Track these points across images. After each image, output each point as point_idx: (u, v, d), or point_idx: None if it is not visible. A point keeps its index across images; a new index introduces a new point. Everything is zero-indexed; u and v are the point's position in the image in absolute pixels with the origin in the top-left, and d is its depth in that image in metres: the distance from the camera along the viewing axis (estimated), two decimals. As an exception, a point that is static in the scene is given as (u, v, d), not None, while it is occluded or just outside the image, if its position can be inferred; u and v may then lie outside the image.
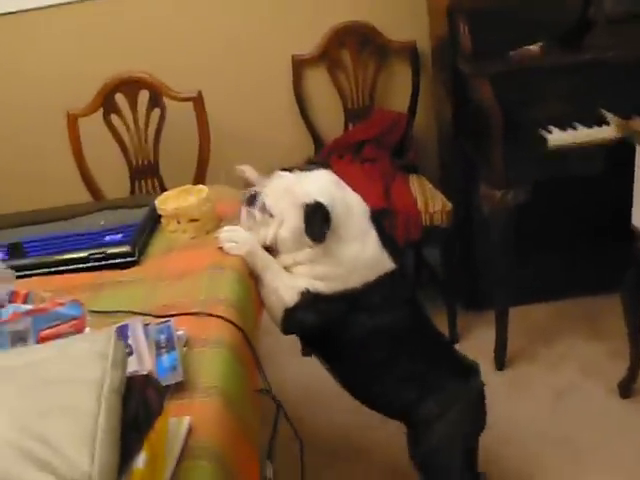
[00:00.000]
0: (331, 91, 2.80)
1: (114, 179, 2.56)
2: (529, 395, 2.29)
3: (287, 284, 1.48)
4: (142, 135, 2.54)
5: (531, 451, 2.04)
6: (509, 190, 2.19)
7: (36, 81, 2.76)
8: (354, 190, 2.39)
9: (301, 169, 1.55)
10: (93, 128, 2.49)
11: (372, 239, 1.53)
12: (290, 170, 1.55)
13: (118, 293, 1.35)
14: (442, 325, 2.55)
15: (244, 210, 1.52)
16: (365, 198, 2.43)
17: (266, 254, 1.49)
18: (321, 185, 1.49)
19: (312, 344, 1.66)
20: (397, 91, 2.84)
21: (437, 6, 2.53)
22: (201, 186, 1.62)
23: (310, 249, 1.47)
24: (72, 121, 2.47)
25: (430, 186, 2.59)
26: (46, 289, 1.24)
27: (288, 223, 1.46)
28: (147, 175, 2.57)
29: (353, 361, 1.59)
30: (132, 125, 2.52)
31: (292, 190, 1.48)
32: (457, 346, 2.56)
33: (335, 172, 2.64)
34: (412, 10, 2.72)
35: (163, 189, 2.55)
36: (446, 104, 2.63)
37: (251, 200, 1.52)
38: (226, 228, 1.50)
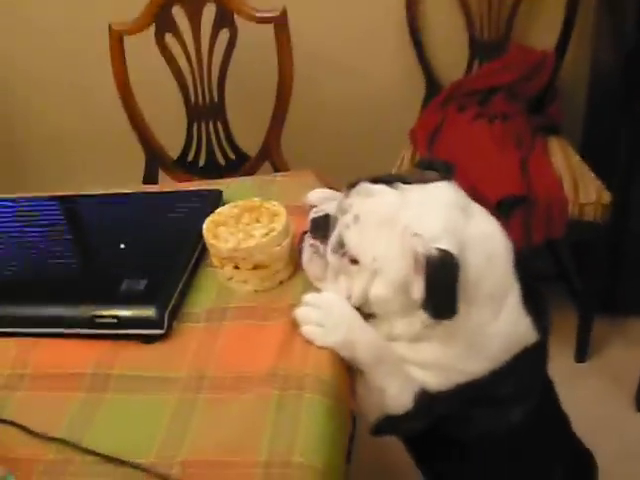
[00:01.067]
0: (455, 15, 2.10)
1: (167, 118, 1.99)
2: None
3: (401, 387, 0.94)
4: (205, 63, 1.93)
5: None
6: None
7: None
8: (480, 168, 1.86)
9: (404, 180, 0.95)
10: (142, 49, 1.89)
11: (513, 300, 0.95)
12: (386, 181, 0.94)
13: (115, 410, 0.86)
14: (569, 335, 2.01)
15: (307, 243, 0.97)
16: (496, 178, 1.88)
17: (373, 339, 0.93)
18: (446, 217, 0.90)
19: (410, 441, 1.14)
20: (544, 22, 2.11)
21: None
22: (274, 204, 1.04)
23: (418, 319, 0.91)
24: (116, 39, 1.87)
25: (577, 159, 1.94)
26: None
27: (388, 277, 0.90)
28: (209, 117, 1.99)
29: (468, 463, 1.08)
30: (192, 50, 1.91)
31: (394, 223, 0.89)
32: (586, 366, 2.03)
33: (453, 130, 2.09)
34: None
35: (229, 138, 1.98)
36: (616, 46, 1.92)
37: (318, 227, 0.96)
38: (308, 297, 0.94)
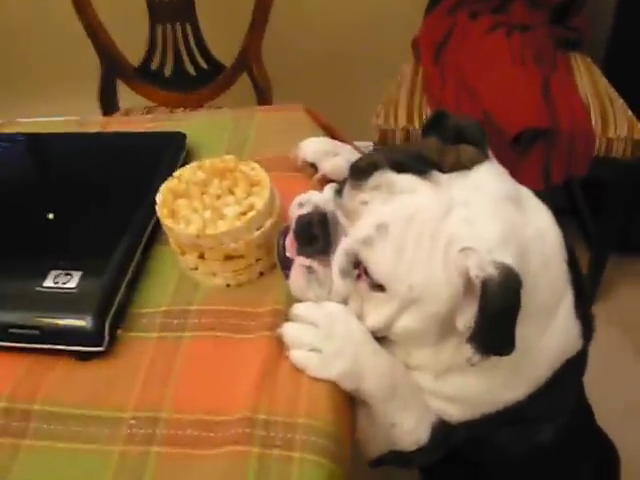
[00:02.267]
0: None
1: (126, 19, 1.66)
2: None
3: (416, 422, 0.72)
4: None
5: None
6: None
7: None
8: (496, 90, 1.57)
9: (437, 165, 0.66)
10: None
11: (566, 306, 0.72)
12: (414, 168, 0.65)
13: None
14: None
15: (296, 262, 0.70)
16: (515, 106, 1.60)
17: (387, 369, 0.70)
18: (502, 218, 0.64)
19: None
20: None
21: None
22: (254, 167, 0.78)
23: (452, 349, 0.68)
24: None
25: (605, 82, 1.67)
26: None
27: (427, 309, 0.65)
28: (175, 18, 1.66)
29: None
30: None
31: (436, 234, 0.63)
32: (599, 307, 1.84)
33: (463, 41, 1.78)
34: None
35: (200, 44, 1.66)
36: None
37: (307, 233, 0.69)
38: (299, 309, 0.69)
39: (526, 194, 0.70)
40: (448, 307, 0.64)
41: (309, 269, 0.68)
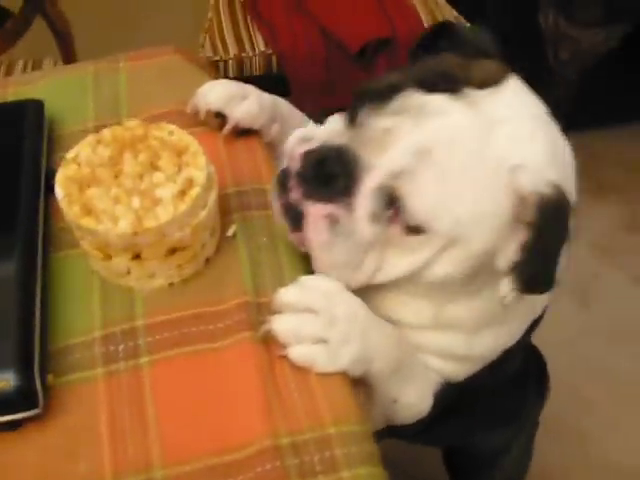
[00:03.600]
0: None
1: None
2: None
3: (419, 393, 0.64)
4: None
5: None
6: (603, 29, 1.34)
7: None
8: (330, 5, 1.46)
9: (465, 80, 0.56)
10: None
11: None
12: (443, 87, 0.55)
13: None
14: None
15: (312, 211, 0.56)
16: (355, 19, 1.50)
17: (392, 341, 0.60)
18: (544, 136, 0.57)
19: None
20: None
21: None
22: (172, 130, 0.61)
23: (487, 303, 0.61)
24: None
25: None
26: None
27: (472, 246, 0.55)
28: None
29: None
30: None
31: (480, 156, 0.54)
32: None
33: None
34: None
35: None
36: None
37: (320, 173, 0.56)
38: (284, 299, 0.56)
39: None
40: (493, 243, 0.55)
41: (331, 218, 0.55)
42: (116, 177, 0.57)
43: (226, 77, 1.45)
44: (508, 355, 0.70)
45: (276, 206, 0.58)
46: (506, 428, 0.99)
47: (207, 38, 1.47)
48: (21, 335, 0.52)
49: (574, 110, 1.65)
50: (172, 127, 0.61)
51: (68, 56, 1.42)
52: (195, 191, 0.56)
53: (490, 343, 0.65)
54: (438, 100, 0.55)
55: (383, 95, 0.55)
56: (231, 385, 0.54)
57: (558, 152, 0.57)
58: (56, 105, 0.74)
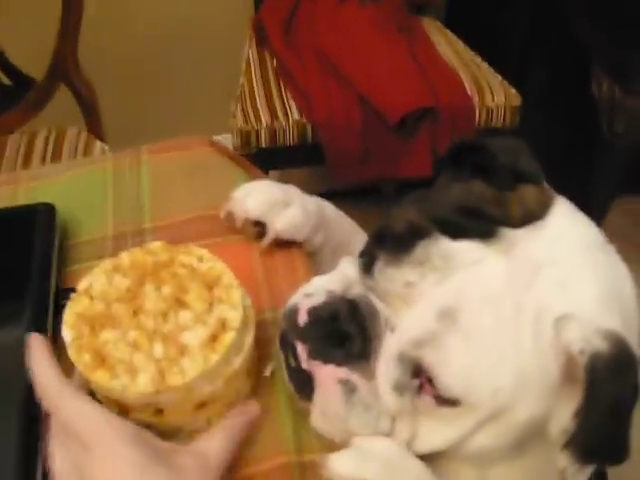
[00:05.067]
0: None
1: None
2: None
3: None
4: None
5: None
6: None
7: None
8: (365, 68, 1.37)
9: (502, 219, 0.47)
10: None
11: None
12: (473, 226, 0.46)
13: None
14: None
15: (326, 376, 0.47)
16: (394, 86, 1.43)
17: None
18: (598, 274, 0.46)
19: None
20: None
21: None
22: (203, 254, 0.52)
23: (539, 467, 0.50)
24: None
25: (463, 46, 1.57)
26: None
27: (515, 418, 0.44)
28: None
29: None
30: None
31: (517, 311, 0.43)
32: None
33: (314, 14, 1.55)
34: None
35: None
36: None
37: (331, 334, 0.47)
38: (338, 469, 0.45)
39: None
40: (541, 410, 0.45)
41: (346, 385, 0.46)
42: (135, 314, 0.48)
43: (258, 147, 1.38)
44: None
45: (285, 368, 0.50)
46: None
47: (238, 107, 1.40)
48: None
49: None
50: (202, 252, 0.52)
51: (93, 126, 1.36)
52: (229, 337, 0.47)
53: None
54: (467, 247, 0.45)
55: (405, 241, 0.46)
56: None
57: (616, 291, 0.47)
58: (71, 207, 0.65)
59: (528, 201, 0.48)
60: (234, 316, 0.48)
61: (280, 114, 1.38)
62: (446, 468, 0.51)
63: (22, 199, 0.67)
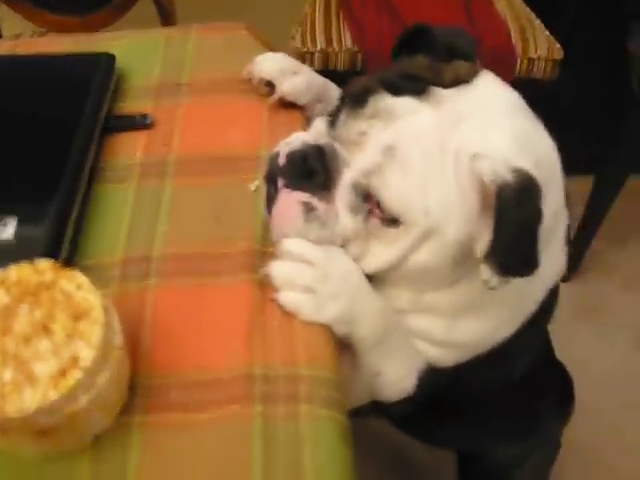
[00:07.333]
0: None
1: None
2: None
3: (404, 371, 0.67)
4: None
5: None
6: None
7: None
8: (414, 9, 1.50)
9: (434, 82, 0.60)
10: None
11: (560, 234, 0.69)
12: (411, 88, 0.60)
13: None
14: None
15: (287, 199, 0.62)
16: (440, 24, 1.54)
17: (381, 312, 0.64)
18: (513, 126, 0.59)
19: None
20: None
21: None
22: (80, 281, 0.51)
23: (466, 287, 0.63)
24: None
25: (521, 3, 1.65)
26: None
27: (446, 236, 0.59)
28: None
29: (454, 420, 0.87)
30: None
31: (444, 150, 0.57)
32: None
33: None
34: None
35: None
36: None
37: (301, 170, 0.62)
38: (291, 245, 0.61)
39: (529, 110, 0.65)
40: (466, 231, 0.58)
41: (307, 206, 0.60)
42: (3, 334, 0.48)
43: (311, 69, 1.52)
44: (507, 353, 0.72)
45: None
46: (518, 442, 0.99)
47: (299, 30, 1.54)
48: (50, 244, 0.60)
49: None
50: (83, 279, 0.51)
51: (170, 33, 1.52)
52: (75, 375, 0.47)
53: (471, 330, 0.67)
54: (406, 102, 0.59)
55: (358, 99, 0.60)
56: (223, 315, 0.59)
57: (530, 143, 0.59)
58: (128, 61, 0.82)
59: (459, 70, 0.62)
60: (87, 355, 0.48)
61: (335, 41, 1.51)
62: (388, 292, 0.65)
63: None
